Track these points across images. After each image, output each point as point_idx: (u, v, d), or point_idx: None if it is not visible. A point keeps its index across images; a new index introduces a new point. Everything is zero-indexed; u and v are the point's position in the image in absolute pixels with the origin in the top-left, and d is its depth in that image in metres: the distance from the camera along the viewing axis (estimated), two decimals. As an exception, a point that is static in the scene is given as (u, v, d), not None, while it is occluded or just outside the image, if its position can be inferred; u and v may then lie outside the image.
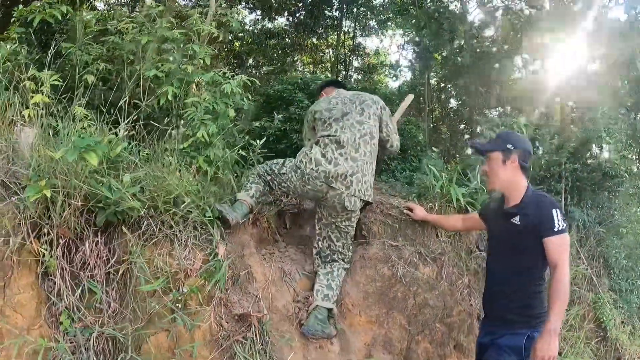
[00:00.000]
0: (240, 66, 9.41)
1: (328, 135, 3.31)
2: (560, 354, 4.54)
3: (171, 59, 3.88)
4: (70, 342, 2.80)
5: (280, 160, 3.48)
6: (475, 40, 7.78)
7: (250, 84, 3.78)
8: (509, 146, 2.79)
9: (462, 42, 7.91)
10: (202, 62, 3.86)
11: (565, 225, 2.63)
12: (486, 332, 2.90)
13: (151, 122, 3.78)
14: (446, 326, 3.71)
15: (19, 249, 2.82)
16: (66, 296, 2.90)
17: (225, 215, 3.11)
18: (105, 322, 2.90)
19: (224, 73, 3.76)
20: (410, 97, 4.46)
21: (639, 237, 6.05)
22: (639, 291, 5.73)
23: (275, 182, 3.44)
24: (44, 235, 2.91)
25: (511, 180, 2.80)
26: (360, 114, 3.43)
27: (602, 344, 5.23)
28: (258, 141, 3.90)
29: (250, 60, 10.55)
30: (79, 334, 2.84)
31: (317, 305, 3.20)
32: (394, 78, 11.40)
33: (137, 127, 3.49)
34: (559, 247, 2.61)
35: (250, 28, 9.64)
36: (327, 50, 12.19)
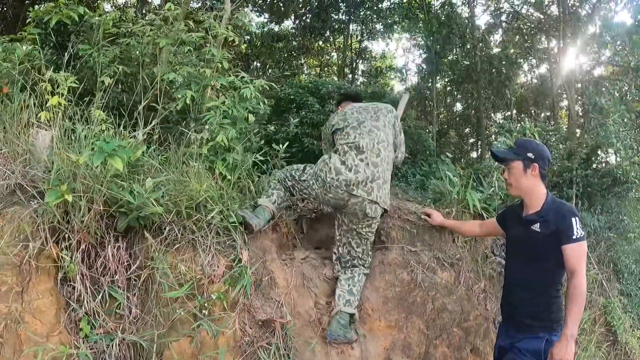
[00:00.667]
0: (246, 68, 9.40)
1: (347, 143, 3.32)
2: (572, 357, 4.56)
3: (188, 62, 3.86)
4: (91, 349, 2.76)
5: (301, 167, 3.47)
6: (481, 44, 7.82)
7: (269, 89, 3.76)
8: (530, 155, 2.83)
9: (471, 46, 7.91)
10: (220, 65, 3.84)
11: (583, 233, 2.67)
12: (505, 336, 2.92)
13: (168, 125, 3.76)
14: (463, 330, 3.71)
15: (38, 254, 2.78)
16: (87, 302, 2.87)
17: (249, 221, 3.10)
18: (126, 328, 2.87)
19: (242, 77, 3.74)
20: (406, 97, 4.36)
21: (647, 242, 6.06)
22: (648, 295, 5.74)
23: (296, 188, 3.42)
24: (64, 240, 2.88)
25: (532, 188, 2.85)
26: (376, 120, 3.44)
27: (612, 347, 5.23)
28: (272, 145, 3.89)
29: (256, 63, 10.53)
30: (99, 340, 2.81)
31: (339, 310, 3.20)
32: (402, 82, 11.42)
33: (155, 130, 3.46)
34: (577, 254, 2.64)
35: (258, 31, 9.62)
36: (333, 54, 12.19)
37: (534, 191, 2.84)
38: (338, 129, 3.44)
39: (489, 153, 3.44)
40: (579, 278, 2.60)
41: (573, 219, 2.66)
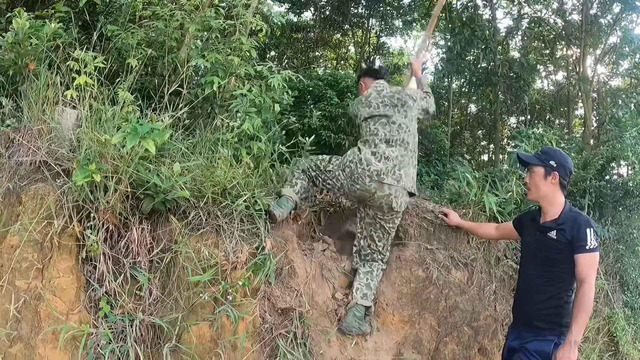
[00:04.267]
0: (263, 58, 9.40)
1: (377, 136, 3.34)
2: (575, 364, 4.61)
3: (215, 49, 3.86)
4: (110, 329, 2.79)
5: (326, 157, 3.48)
6: (501, 47, 7.81)
7: (295, 80, 3.77)
8: (552, 163, 2.90)
9: (492, 49, 7.89)
10: (248, 54, 3.84)
11: (596, 244, 2.74)
12: (515, 337, 2.98)
13: (192, 111, 3.76)
14: (473, 330, 3.76)
15: (61, 232, 2.81)
16: (107, 282, 2.89)
17: (272, 211, 3.13)
18: (145, 309, 2.90)
19: (270, 67, 3.75)
20: (427, 41, 4.24)
21: (654, 256, 6.07)
22: (651, 309, 5.76)
23: (320, 178, 3.44)
24: (87, 219, 2.90)
25: (550, 196, 2.92)
26: (405, 117, 3.44)
27: (613, 358, 5.26)
28: (293, 135, 3.89)
29: (273, 52, 10.52)
30: (119, 320, 2.83)
31: (356, 303, 3.23)
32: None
33: (183, 115, 3.46)
34: (589, 264, 2.72)
35: (279, 21, 9.63)
36: (351, 47, 12.16)
37: (552, 199, 2.91)
38: (366, 120, 3.44)
39: (508, 156, 3.46)
40: (588, 287, 2.68)
41: (588, 230, 2.74)
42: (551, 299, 2.83)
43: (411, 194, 3.44)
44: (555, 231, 2.83)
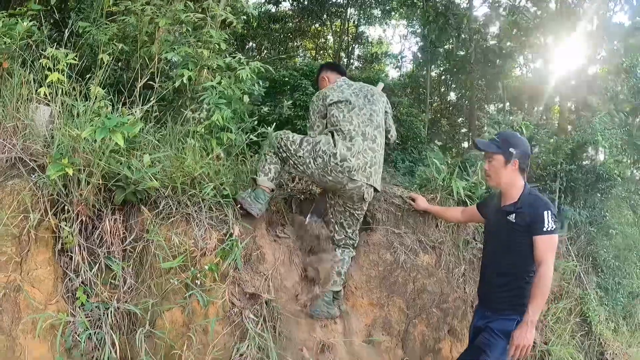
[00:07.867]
0: (242, 49, 9.40)
1: (353, 128, 3.27)
2: (546, 343, 4.75)
3: (186, 42, 3.92)
4: (87, 317, 2.89)
5: (297, 139, 3.34)
6: (477, 36, 7.90)
7: (264, 71, 3.85)
8: (512, 150, 2.94)
9: (467, 37, 7.99)
10: (217, 46, 3.91)
11: (554, 226, 2.81)
12: (480, 317, 3.09)
13: (164, 104, 3.83)
14: (442, 311, 3.87)
15: (37, 226, 2.90)
16: (83, 272, 2.99)
17: (249, 211, 3.17)
18: (120, 297, 3.00)
19: (239, 59, 3.82)
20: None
21: (627, 239, 6.22)
22: (625, 290, 5.91)
23: (290, 161, 3.34)
24: (63, 212, 2.99)
25: (510, 181, 2.98)
26: (374, 105, 3.44)
27: (586, 337, 5.39)
28: (264, 126, 3.94)
29: (252, 44, 10.54)
30: (95, 308, 2.93)
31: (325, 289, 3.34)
32: (397, 68, 11.48)
33: (153, 108, 3.53)
34: (546, 246, 2.79)
35: (255, 12, 9.61)
36: (329, 37, 12.22)
37: (512, 184, 2.97)
38: (338, 107, 3.34)
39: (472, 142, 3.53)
40: (546, 268, 2.74)
41: (546, 212, 2.79)
42: (513, 280, 2.91)
43: (375, 190, 3.43)
44: (514, 214, 2.90)
